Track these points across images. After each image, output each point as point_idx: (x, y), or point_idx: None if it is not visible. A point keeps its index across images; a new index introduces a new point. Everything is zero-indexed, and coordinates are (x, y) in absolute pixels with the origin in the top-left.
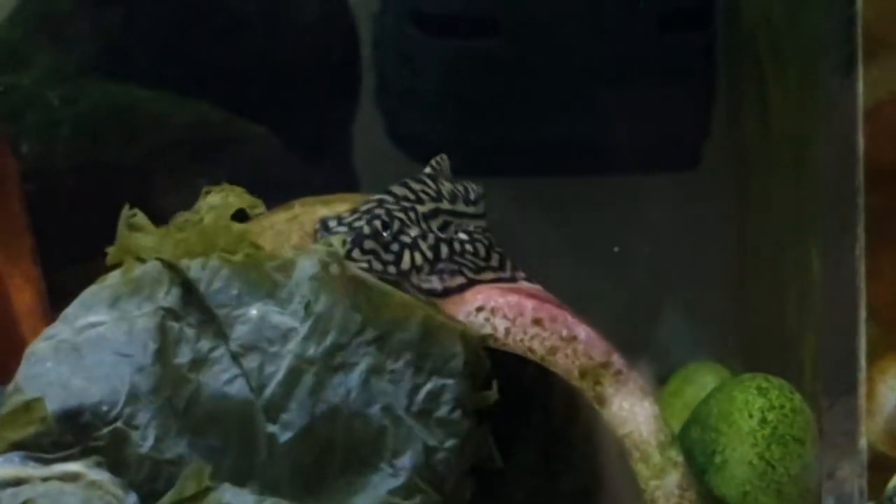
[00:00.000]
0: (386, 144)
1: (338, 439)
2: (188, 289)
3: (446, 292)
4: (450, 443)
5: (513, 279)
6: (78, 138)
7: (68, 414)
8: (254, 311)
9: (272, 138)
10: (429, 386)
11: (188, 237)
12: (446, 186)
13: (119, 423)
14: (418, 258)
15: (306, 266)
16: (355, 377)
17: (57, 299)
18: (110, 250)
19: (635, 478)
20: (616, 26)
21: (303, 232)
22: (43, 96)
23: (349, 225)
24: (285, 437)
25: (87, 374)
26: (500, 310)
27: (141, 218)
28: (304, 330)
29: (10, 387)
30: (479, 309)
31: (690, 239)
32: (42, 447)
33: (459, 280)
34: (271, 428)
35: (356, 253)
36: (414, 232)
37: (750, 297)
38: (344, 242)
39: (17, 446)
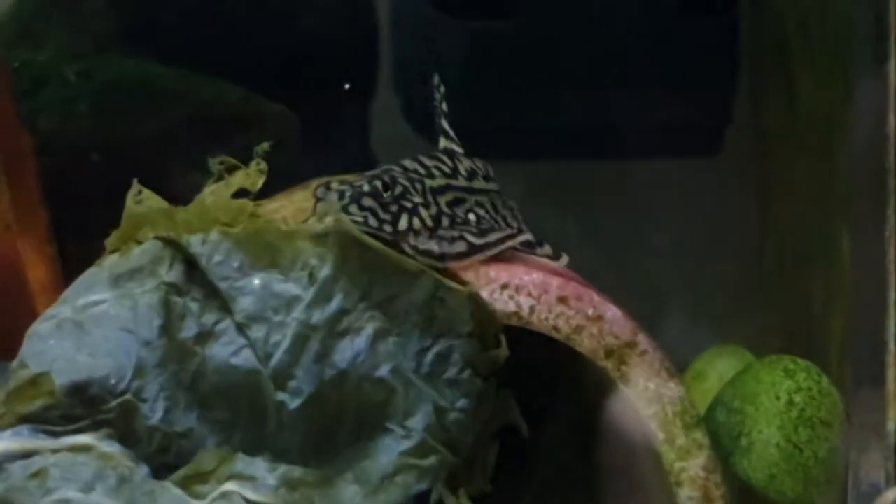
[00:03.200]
0: (403, 125)
1: (347, 404)
2: (190, 264)
3: (444, 257)
4: (461, 403)
5: (519, 232)
6: (93, 115)
7: (76, 387)
8: (256, 282)
9: (290, 117)
10: (437, 347)
11: (189, 216)
12: (464, 163)
13: (128, 396)
14: (416, 223)
15: (308, 231)
16: (362, 341)
17: (72, 276)
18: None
19: (660, 459)
20: (638, 9)
21: None
22: (59, 72)
23: (350, 184)
24: (294, 404)
25: (93, 349)
26: (525, 287)
27: (148, 194)
28: (308, 296)
29: (14, 363)
30: (504, 287)
31: (714, 222)
32: (50, 420)
33: (460, 247)
34: (280, 396)
35: (353, 208)
36: (417, 199)
37: (774, 280)
38: (342, 197)
39: (25, 419)
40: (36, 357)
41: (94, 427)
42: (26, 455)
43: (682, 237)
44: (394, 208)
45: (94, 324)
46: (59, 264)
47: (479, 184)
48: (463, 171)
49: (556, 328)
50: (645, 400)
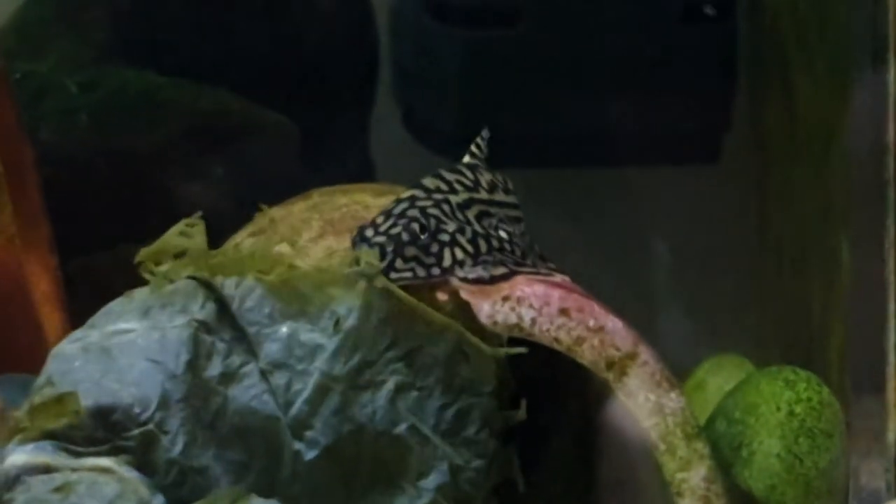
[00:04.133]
0: (403, 135)
1: (362, 459)
2: (222, 305)
3: (493, 280)
4: (476, 463)
5: (550, 271)
6: (96, 125)
7: (101, 411)
8: (284, 329)
9: (291, 127)
10: (458, 404)
11: (223, 260)
12: (485, 176)
13: (150, 426)
14: (459, 253)
15: (339, 279)
16: (382, 395)
17: (74, 288)
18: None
19: (661, 470)
20: (637, 17)
21: (322, 221)
22: (61, 83)
23: (386, 234)
24: (310, 454)
25: (119, 376)
26: (527, 299)
27: (197, 230)
28: (332, 346)
29: (40, 380)
30: (506, 299)
31: (712, 231)
32: (73, 440)
33: (503, 269)
34: (297, 445)
35: (399, 263)
36: (451, 227)
37: (773, 289)
38: (381, 256)
39: (48, 436)
40: (62, 376)
41: (114, 452)
42: (47, 470)
43: (682, 245)
44: (435, 248)
45: (122, 352)
46: (61, 276)
47: (499, 196)
48: (484, 184)
49: (557, 340)
50: (646, 411)
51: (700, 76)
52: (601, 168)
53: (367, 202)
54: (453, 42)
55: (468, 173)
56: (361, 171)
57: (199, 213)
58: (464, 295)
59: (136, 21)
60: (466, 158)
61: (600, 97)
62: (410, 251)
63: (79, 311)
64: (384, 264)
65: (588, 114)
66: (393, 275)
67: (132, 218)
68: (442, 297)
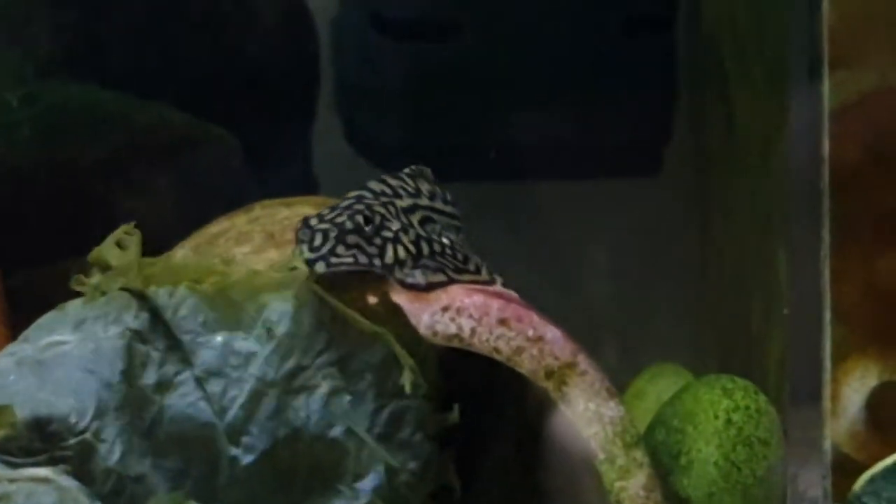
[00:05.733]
0: (345, 149)
1: (299, 463)
2: (155, 315)
3: (430, 287)
4: (412, 465)
5: (490, 283)
6: (37, 139)
7: (38, 422)
8: (219, 338)
9: (232, 140)
10: (390, 408)
11: (156, 270)
12: (424, 185)
13: (87, 436)
14: (401, 252)
15: (272, 285)
16: (316, 399)
17: (16, 301)
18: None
19: (601, 478)
20: (578, 31)
21: (265, 233)
22: (1, 97)
23: (331, 221)
24: (247, 459)
25: (54, 387)
26: (466, 310)
27: (132, 239)
28: (265, 352)
29: None
30: (445, 309)
31: (652, 243)
32: (10, 451)
33: (441, 277)
34: (234, 451)
35: (340, 248)
36: (395, 226)
37: (713, 299)
38: (323, 241)
39: None
40: None
41: (51, 462)
42: None
43: (622, 257)
44: (378, 241)
45: (56, 363)
46: (2, 289)
47: (439, 205)
48: (425, 192)
49: (496, 350)
50: (585, 420)
51: (640, 89)
52: (542, 180)
53: (308, 214)
54: (395, 55)
55: (409, 181)
56: (303, 184)
57: (134, 223)
58: (398, 300)
59: (78, 35)
60: (407, 171)
61: (541, 110)
62: (352, 239)
63: (20, 325)
64: (325, 249)
65: (529, 127)
66: (333, 259)
67: (74, 231)
68: (373, 300)
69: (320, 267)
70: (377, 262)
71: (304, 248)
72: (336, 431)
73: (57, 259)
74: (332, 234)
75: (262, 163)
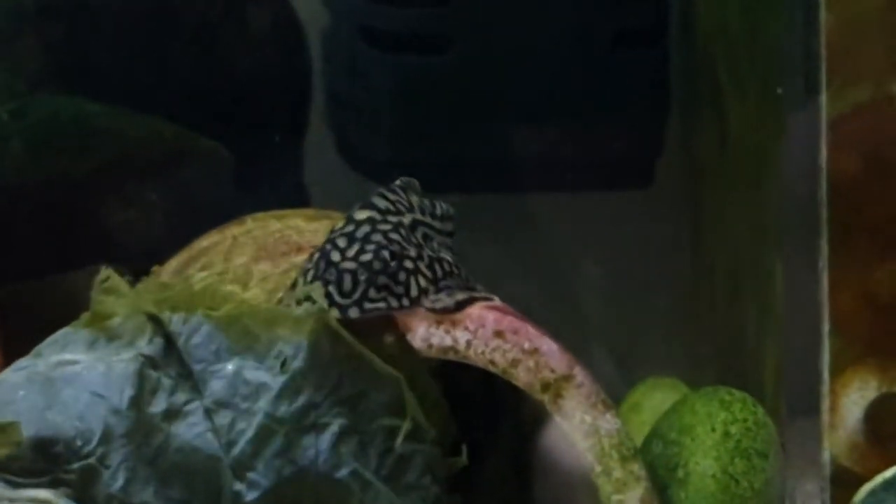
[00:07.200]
0: (336, 161)
1: (304, 502)
2: (169, 341)
3: (458, 307)
4: None
5: (489, 299)
6: (27, 153)
7: (42, 443)
8: (230, 367)
9: (224, 153)
10: (400, 450)
11: (171, 295)
12: (415, 199)
13: (91, 460)
14: (422, 281)
15: (288, 318)
16: (326, 439)
17: (6, 316)
18: (84, 316)
19: (597, 492)
20: (568, 43)
21: (256, 246)
22: None
23: (357, 261)
24: (250, 496)
25: (63, 408)
26: (461, 322)
27: (115, 280)
28: (277, 386)
29: None
30: (440, 322)
31: (646, 256)
32: (12, 471)
33: (464, 295)
34: (238, 486)
35: (372, 292)
36: (412, 253)
37: (707, 312)
38: (353, 283)
39: None
40: (5, 406)
41: (53, 484)
42: None
43: (617, 270)
44: (402, 276)
45: (66, 383)
46: None
47: (428, 218)
48: (416, 205)
49: (492, 362)
50: (581, 433)
51: (632, 101)
52: (535, 194)
53: (300, 227)
54: (386, 68)
55: (402, 195)
56: (295, 197)
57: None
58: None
59: (68, 49)
60: (398, 183)
61: (533, 123)
62: (382, 280)
63: (10, 338)
64: (357, 294)
65: (521, 140)
66: (367, 305)
67: (64, 245)
68: (389, 339)
69: (354, 313)
70: (406, 301)
71: (333, 291)
72: (343, 472)
73: (46, 273)
74: (363, 278)
75: (254, 176)
